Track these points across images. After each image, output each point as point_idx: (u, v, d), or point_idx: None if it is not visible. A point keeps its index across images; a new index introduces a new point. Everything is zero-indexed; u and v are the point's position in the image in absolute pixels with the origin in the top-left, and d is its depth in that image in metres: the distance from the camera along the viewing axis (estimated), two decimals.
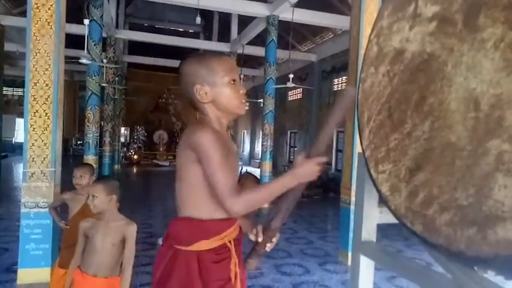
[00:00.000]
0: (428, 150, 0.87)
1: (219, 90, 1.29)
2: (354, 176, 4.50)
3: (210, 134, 1.22)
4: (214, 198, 1.27)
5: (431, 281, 1.01)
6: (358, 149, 4.50)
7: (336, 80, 11.65)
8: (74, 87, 18.06)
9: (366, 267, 1.40)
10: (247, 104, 19.94)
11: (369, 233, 1.42)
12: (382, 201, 1.04)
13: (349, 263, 4.42)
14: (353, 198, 4.50)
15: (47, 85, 3.44)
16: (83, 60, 6.06)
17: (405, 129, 0.96)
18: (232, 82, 1.31)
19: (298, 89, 13.91)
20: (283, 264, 4.44)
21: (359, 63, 4.42)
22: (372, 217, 1.42)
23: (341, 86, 11.35)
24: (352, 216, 4.46)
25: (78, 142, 18.47)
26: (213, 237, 1.31)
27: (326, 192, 10.42)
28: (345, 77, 10.91)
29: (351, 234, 4.46)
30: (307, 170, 1.19)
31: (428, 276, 1.03)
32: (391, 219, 1.43)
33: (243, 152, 21.64)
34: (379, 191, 1.06)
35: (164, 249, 1.36)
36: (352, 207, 4.46)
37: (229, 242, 1.35)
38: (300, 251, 5.01)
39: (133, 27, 14.34)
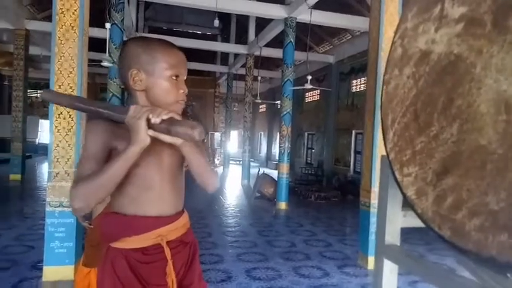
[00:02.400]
0: (456, 154, 0.86)
1: (155, 81, 1.18)
2: (374, 178, 4.45)
3: (94, 125, 1.15)
4: (134, 187, 1.20)
5: (458, 287, 0.99)
6: (378, 151, 4.45)
7: (354, 82, 11.55)
8: (95, 90, 18.46)
9: (390, 271, 1.38)
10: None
11: (392, 236, 1.41)
12: (408, 204, 1.03)
13: (369, 266, 4.37)
14: (373, 201, 4.46)
15: (70, 87, 3.53)
16: (105, 63, 6.20)
17: (432, 131, 0.95)
18: (174, 77, 1.19)
19: (316, 91, 13.84)
20: (302, 266, 4.42)
21: (379, 64, 4.37)
22: (396, 220, 1.40)
23: (359, 88, 11.24)
24: (372, 219, 4.41)
25: None
26: (137, 234, 1.20)
27: (344, 195, 10.32)
28: (363, 78, 10.81)
29: (370, 238, 4.41)
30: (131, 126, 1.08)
31: (454, 281, 1.02)
32: (415, 223, 1.41)
33: (259, 153, 21.66)
34: (404, 194, 1.05)
35: (102, 246, 1.30)
36: (372, 210, 4.41)
37: (165, 242, 1.23)
38: (318, 253, 4.98)
39: (152, 30, 14.57)
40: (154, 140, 1.14)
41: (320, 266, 4.47)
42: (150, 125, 1.09)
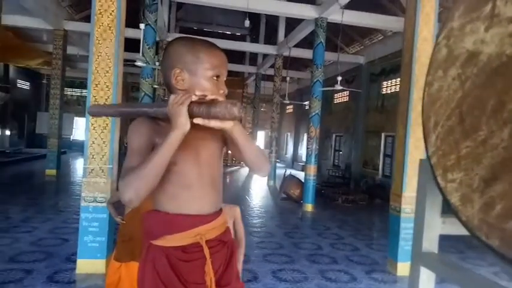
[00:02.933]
0: (507, 160, 0.81)
1: (197, 81, 1.19)
2: (405, 182, 4.34)
3: (137, 123, 1.17)
4: (173, 184, 1.21)
5: None
6: (410, 154, 4.33)
7: (385, 83, 11.29)
8: (126, 89, 18.98)
9: (427, 279, 1.33)
10: (291, 105, 19.89)
11: (430, 243, 1.36)
12: (451, 211, 0.99)
13: (398, 273, 4.26)
14: (404, 206, 4.34)
15: (107, 86, 3.64)
16: (138, 63, 6.35)
17: (479, 136, 0.91)
18: (215, 78, 1.21)
19: (345, 92, 13.64)
20: (329, 270, 4.37)
21: (413, 65, 4.25)
22: (434, 227, 1.36)
23: (390, 89, 10.98)
24: (402, 225, 4.30)
25: None
26: (177, 233, 1.22)
27: (372, 198, 10.11)
28: (394, 80, 10.55)
29: (400, 243, 4.30)
30: (171, 111, 1.08)
31: None
32: (455, 230, 1.35)
33: (286, 154, 21.57)
34: (447, 201, 1.01)
35: (143, 242, 1.32)
36: (403, 215, 4.30)
37: (204, 241, 1.23)
38: (345, 257, 4.90)
39: (183, 30, 14.81)
40: (191, 135, 1.15)
41: (347, 270, 4.39)
42: (190, 112, 1.09)
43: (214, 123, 1.09)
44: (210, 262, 1.23)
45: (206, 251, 1.23)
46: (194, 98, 1.09)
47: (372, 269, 4.50)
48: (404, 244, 4.28)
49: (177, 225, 1.22)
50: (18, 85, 17.60)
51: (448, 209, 1.10)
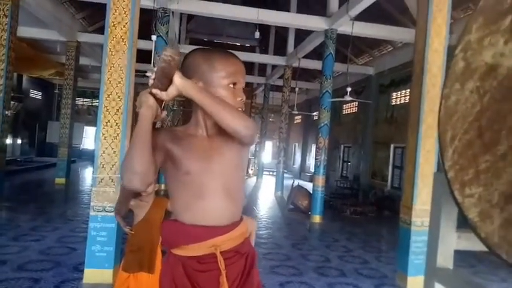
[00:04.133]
0: None
1: (213, 91, 1.18)
2: (416, 195, 4.28)
3: (157, 129, 1.19)
4: (186, 194, 1.21)
5: None
6: (420, 167, 4.28)
7: (394, 94, 11.24)
8: (135, 99, 19.17)
9: None
10: (299, 115, 19.88)
11: (445, 259, 1.32)
12: (470, 227, 0.97)
13: (408, 287, 4.18)
14: (414, 219, 4.27)
15: (119, 97, 3.68)
16: (149, 74, 6.42)
17: (499, 150, 0.89)
18: (231, 85, 1.21)
19: (354, 103, 13.61)
20: (337, 283, 4.30)
21: (424, 77, 4.23)
22: (449, 242, 1.32)
23: (400, 100, 10.93)
24: (413, 238, 4.23)
25: None
26: (193, 243, 1.22)
27: (381, 210, 9.99)
28: (404, 91, 10.50)
29: (411, 257, 4.22)
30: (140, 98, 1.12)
31: None
32: (471, 245, 1.32)
33: (293, 164, 21.49)
34: (465, 216, 0.98)
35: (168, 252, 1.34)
36: (414, 228, 4.23)
37: (219, 252, 1.22)
38: (354, 270, 4.82)
39: (193, 42, 14.98)
40: (206, 145, 1.20)
41: (356, 283, 4.32)
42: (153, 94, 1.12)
43: (167, 93, 1.10)
44: (224, 274, 1.22)
45: (221, 262, 1.22)
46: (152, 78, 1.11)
47: (381, 282, 4.42)
48: (415, 258, 4.20)
49: (192, 235, 1.22)
50: (31, 95, 17.90)
51: (463, 224, 1.08)
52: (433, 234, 1.38)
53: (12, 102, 13.18)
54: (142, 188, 1.12)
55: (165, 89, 1.11)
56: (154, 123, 1.16)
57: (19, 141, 16.90)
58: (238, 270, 1.28)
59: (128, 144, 3.85)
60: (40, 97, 18.83)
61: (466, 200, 0.98)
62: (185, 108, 17.14)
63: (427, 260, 1.41)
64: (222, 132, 1.18)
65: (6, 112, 6.96)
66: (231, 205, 1.26)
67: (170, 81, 1.10)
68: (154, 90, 1.11)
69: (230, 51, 1.29)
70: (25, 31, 9.70)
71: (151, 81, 1.11)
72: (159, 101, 1.13)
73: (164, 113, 1.16)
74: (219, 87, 1.20)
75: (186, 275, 1.22)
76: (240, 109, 1.23)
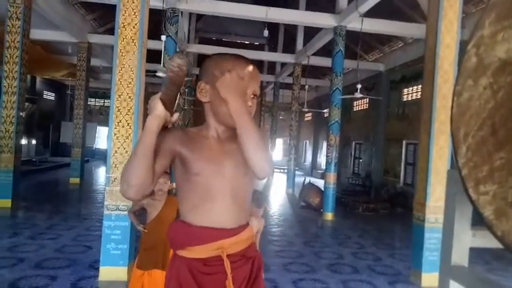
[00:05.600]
0: None
1: (217, 94, 1.17)
2: (429, 191, 4.24)
3: (166, 130, 1.17)
4: (194, 195, 1.21)
5: None
6: (433, 163, 4.23)
7: (405, 90, 11.12)
8: (147, 99, 19.27)
9: None
10: (310, 113, 19.80)
11: (460, 256, 1.32)
12: (485, 225, 0.96)
13: (423, 283, 4.15)
14: (428, 216, 4.24)
15: (129, 97, 3.72)
16: (160, 74, 6.47)
17: None
18: None
19: (364, 99, 13.50)
20: (350, 280, 4.29)
21: (436, 73, 4.18)
22: (464, 240, 1.31)
23: (411, 96, 10.80)
24: (426, 235, 4.19)
25: None
26: (199, 245, 1.22)
27: (394, 207, 9.91)
28: (416, 87, 10.38)
29: (425, 253, 4.19)
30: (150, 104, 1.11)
31: None
32: (486, 243, 1.31)
33: (304, 162, 21.44)
34: (480, 214, 0.98)
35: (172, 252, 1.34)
36: (427, 224, 4.20)
37: (225, 255, 1.21)
38: (367, 267, 4.80)
39: (202, 41, 15.04)
40: (217, 148, 1.20)
41: (370, 280, 4.30)
42: (164, 101, 1.12)
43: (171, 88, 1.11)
44: (230, 277, 1.21)
45: (227, 266, 1.21)
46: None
47: (395, 279, 4.39)
48: (429, 254, 4.17)
49: (198, 237, 1.22)
50: (44, 96, 18.19)
51: (478, 221, 1.07)
52: (447, 232, 1.37)
53: (26, 104, 13.43)
54: (137, 198, 1.15)
55: (175, 95, 1.13)
56: (165, 126, 1.17)
57: (34, 141, 17.20)
58: (244, 274, 1.27)
59: None
60: (53, 98, 19.13)
61: (481, 198, 0.97)
62: (195, 107, 17.24)
63: (441, 257, 1.41)
64: (234, 137, 1.18)
65: (21, 113, 7.10)
66: (238, 209, 1.26)
67: (179, 88, 1.12)
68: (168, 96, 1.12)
69: (243, 56, 1.28)
70: (37, 33, 9.85)
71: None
72: (169, 104, 1.12)
73: (176, 115, 1.15)
74: None
75: (192, 276, 1.22)
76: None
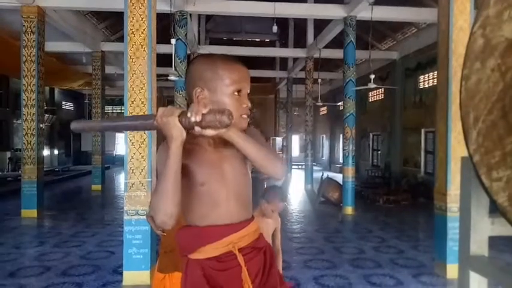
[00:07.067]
0: None
1: (218, 98, 1.19)
2: (449, 180, 4.14)
3: (163, 145, 1.17)
4: (202, 204, 1.24)
5: None
6: (452, 150, 4.13)
7: (421, 77, 10.87)
8: (163, 102, 19.54)
9: (477, 285, 1.25)
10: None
11: (479, 246, 1.27)
12: (499, 212, 0.92)
13: (448, 275, 4.06)
14: (449, 205, 4.13)
15: (142, 103, 3.77)
16: (171, 77, 6.53)
17: None
18: (236, 93, 1.20)
19: (379, 89, 13.27)
20: (373, 274, 4.23)
21: (450, 57, 4.07)
22: (482, 229, 1.27)
23: (428, 83, 10.56)
24: (449, 224, 4.10)
25: None
26: (210, 243, 1.24)
27: (415, 197, 9.72)
28: (432, 73, 10.14)
29: (448, 244, 4.09)
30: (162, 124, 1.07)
31: None
32: (506, 231, 1.26)
33: (322, 157, 21.28)
34: (494, 201, 0.94)
35: (181, 256, 1.36)
36: (449, 214, 4.10)
37: (236, 249, 1.24)
38: (390, 260, 4.73)
39: (213, 41, 15.09)
40: (216, 155, 1.23)
41: (393, 274, 4.23)
42: (182, 122, 1.08)
43: (208, 132, 1.09)
44: (245, 269, 1.24)
45: (240, 259, 1.24)
46: (198, 118, 1.07)
47: (419, 272, 4.31)
48: (453, 245, 4.06)
49: (208, 236, 1.24)
50: (63, 106, 18.66)
51: (497, 208, 1.03)
52: (464, 222, 1.33)
53: (46, 115, 13.82)
54: (174, 224, 1.14)
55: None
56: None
57: (56, 151, 17.68)
58: (258, 265, 1.30)
59: (156, 150, 3.95)
60: (72, 108, 19.62)
61: (494, 184, 0.93)
62: None
63: (459, 248, 1.36)
64: (227, 143, 1.19)
65: (41, 125, 7.29)
66: (242, 206, 1.30)
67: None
68: (197, 129, 1.10)
69: (232, 56, 1.29)
70: (52, 45, 10.10)
71: (197, 118, 1.08)
72: (185, 124, 1.11)
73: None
74: (224, 95, 1.20)
75: (206, 277, 1.24)
76: (245, 116, 1.23)
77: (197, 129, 1.09)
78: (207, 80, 1.20)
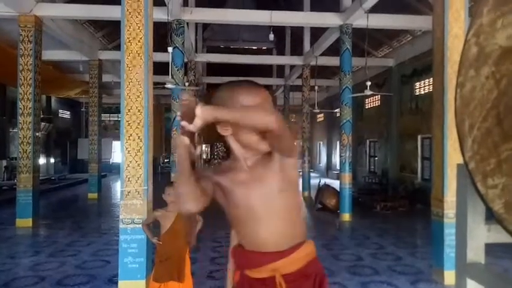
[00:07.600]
0: None
1: (240, 125, 1.18)
2: (446, 186, 4.14)
3: (202, 170, 1.26)
4: (241, 226, 1.31)
5: None
6: (449, 157, 4.14)
7: (417, 84, 10.94)
8: (160, 110, 19.56)
9: None
10: (322, 114, 19.68)
11: (475, 253, 1.26)
12: (496, 220, 0.92)
13: (446, 281, 4.05)
14: (446, 211, 4.13)
15: (139, 111, 3.76)
16: (168, 85, 6.54)
17: None
18: None
19: (376, 96, 13.33)
20: (370, 282, 4.20)
21: (445, 65, 4.10)
22: (479, 236, 1.26)
23: (423, 90, 10.62)
24: (446, 231, 4.09)
25: (165, 160, 19.90)
26: (254, 268, 1.30)
27: (412, 204, 9.71)
28: (428, 80, 10.20)
29: (446, 250, 4.08)
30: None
31: None
32: (503, 238, 1.26)
33: (319, 163, 21.27)
34: (490, 208, 0.94)
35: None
36: (446, 220, 4.10)
37: (280, 276, 1.26)
38: (388, 267, 4.71)
39: (210, 49, 15.15)
40: (241, 179, 1.24)
41: (390, 281, 4.21)
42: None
43: (194, 124, 1.06)
44: None
45: (281, 285, 1.25)
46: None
47: (417, 278, 4.29)
48: (450, 251, 4.05)
49: (252, 261, 1.30)
50: (60, 115, 18.60)
51: (493, 216, 1.03)
52: (460, 229, 1.33)
53: (43, 124, 13.78)
54: (198, 209, 1.17)
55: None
56: (193, 163, 1.18)
57: (52, 160, 17.56)
58: None
59: (151, 158, 3.94)
60: (69, 116, 19.54)
61: (490, 192, 0.93)
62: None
63: (456, 255, 1.36)
64: (261, 161, 1.24)
65: (37, 134, 7.26)
66: (285, 229, 1.29)
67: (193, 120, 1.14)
68: (183, 123, 1.12)
69: (252, 80, 1.30)
70: (49, 54, 10.10)
71: (180, 119, 1.12)
72: (191, 140, 1.13)
73: (199, 149, 1.16)
74: None
75: None
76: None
77: (185, 124, 1.09)
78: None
